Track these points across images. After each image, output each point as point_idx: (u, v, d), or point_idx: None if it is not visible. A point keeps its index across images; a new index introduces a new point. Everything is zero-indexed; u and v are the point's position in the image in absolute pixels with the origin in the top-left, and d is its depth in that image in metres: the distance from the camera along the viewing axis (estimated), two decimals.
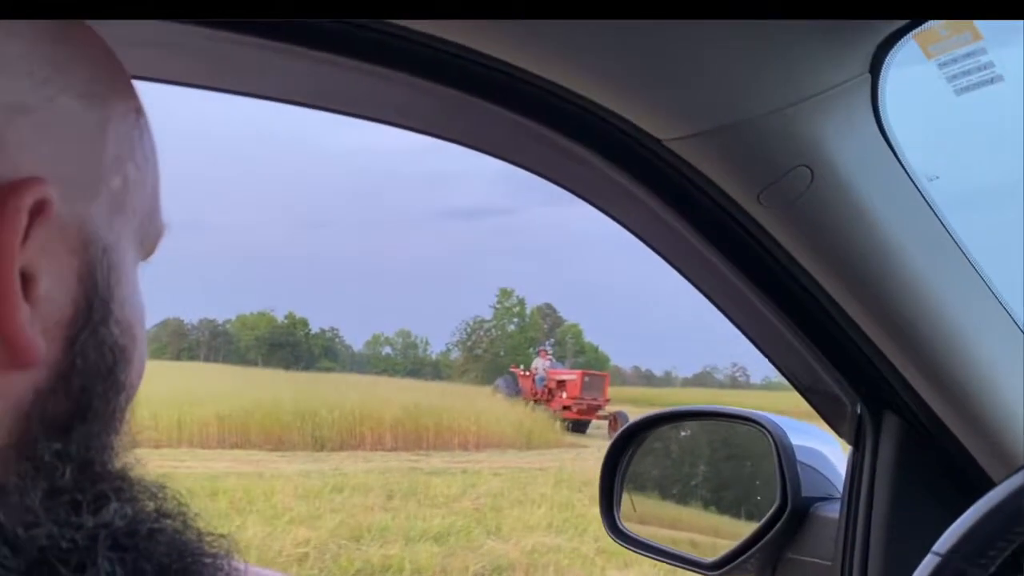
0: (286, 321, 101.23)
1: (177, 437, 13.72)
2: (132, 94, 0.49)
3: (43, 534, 0.36)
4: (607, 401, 22.51)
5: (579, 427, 21.81)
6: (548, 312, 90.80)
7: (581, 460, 14.78)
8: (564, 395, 22.24)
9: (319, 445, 14.88)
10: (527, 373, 24.57)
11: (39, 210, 0.40)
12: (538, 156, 0.84)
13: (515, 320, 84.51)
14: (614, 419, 20.26)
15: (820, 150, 0.73)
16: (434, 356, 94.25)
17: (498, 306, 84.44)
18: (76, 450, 0.40)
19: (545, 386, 23.13)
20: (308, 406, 16.00)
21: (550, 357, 25.40)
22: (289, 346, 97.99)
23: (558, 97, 0.71)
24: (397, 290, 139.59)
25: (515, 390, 23.57)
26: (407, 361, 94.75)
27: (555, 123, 0.74)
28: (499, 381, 25.53)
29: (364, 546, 7.64)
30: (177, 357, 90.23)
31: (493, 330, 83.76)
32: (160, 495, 0.43)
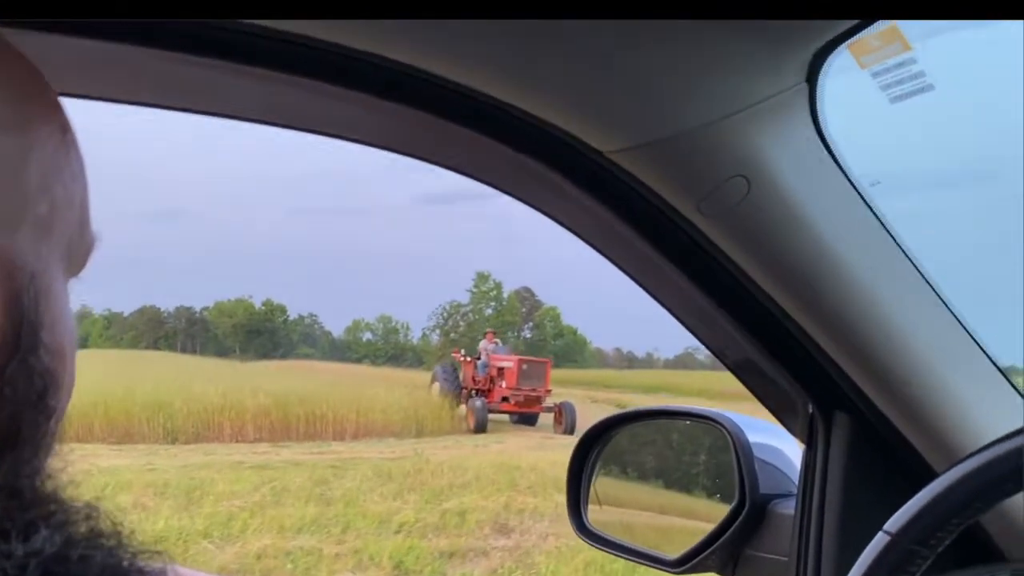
0: (263, 308, 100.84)
1: None
2: (58, 111, 0.49)
3: None
4: (548, 391, 19.24)
5: (527, 421, 19.16)
6: (526, 296, 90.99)
7: (456, 448, 14.40)
8: (503, 384, 18.80)
9: (171, 438, 14.17)
10: (469, 359, 20.48)
11: None
12: (488, 168, 0.85)
13: (492, 304, 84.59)
14: (559, 411, 18.20)
15: (756, 160, 0.74)
16: (415, 341, 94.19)
17: (475, 290, 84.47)
18: (5, 478, 0.40)
19: (487, 374, 19.50)
20: (164, 397, 15.19)
21: (497, 340, 21.30)
22: (267, 333, 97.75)
23: (501, 111, 0.72)
24: (378, 275, 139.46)
25: (454, 380, 19.80)
26: (388, 346, 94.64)
27: (500, 136, 0.75)
28: (437, 369, 21.20)
29: None
30: (154, 345, 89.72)
31: (470, 314, 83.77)
32: (93, 516, 0.43)
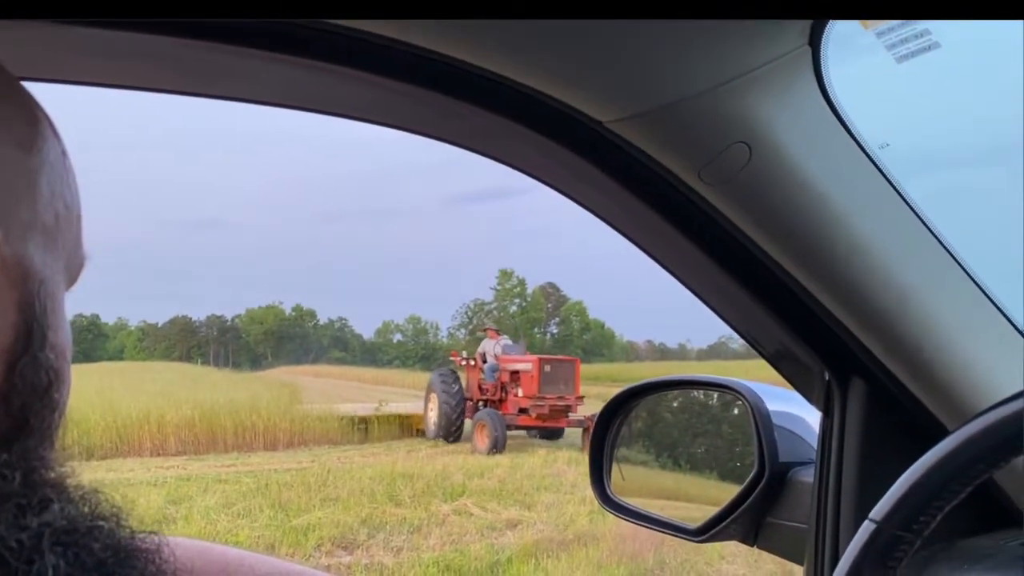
0: (294, 313, 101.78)
1: None
2: (58, 138, 0.54)
3: None
4: (580, 399, 14.77)
5: (550, 434, 15.32)
6: (551, 291, 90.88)
7: (386, 454, 13.74)
8: (519, 392, 14.61)
9: (87, 453, 13.56)
10: (473, 363, 16.05)
11: None
12: (488, 141, 0.86)
13: (516, 300, 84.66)
14: (591, 425, 11.46)
15: (757, 126, 0.74)
16: (445, 340, 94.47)
17: (498, 287, 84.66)
18: (17, 461, 0.44)
19: (497, 379, 15.33)
20: (78, 412, 14.23)
21: (504, 337, 16.65)
22: (298, 338, 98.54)
23: (499, 84, 0.73)
24: (406, 276, 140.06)
25: (457, 391, 15.29)
26: (419, 347, 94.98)
27: (499, 108, 0.76)
28: (433, 378, 16.09)
29: None
30: (188, 354, 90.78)
31: (495, 311, 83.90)
32: (94, 500, 0.47)
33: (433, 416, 15.57)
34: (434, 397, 15.61)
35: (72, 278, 0.54)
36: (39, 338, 0.47)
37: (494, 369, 15.57)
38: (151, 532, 0.49)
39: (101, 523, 0.46)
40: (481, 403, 15.51)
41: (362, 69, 0.72)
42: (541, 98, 0.73)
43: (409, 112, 0.83)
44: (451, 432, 15.16)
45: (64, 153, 0.53)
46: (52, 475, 0.46)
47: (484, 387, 15.62)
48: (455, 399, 15.21)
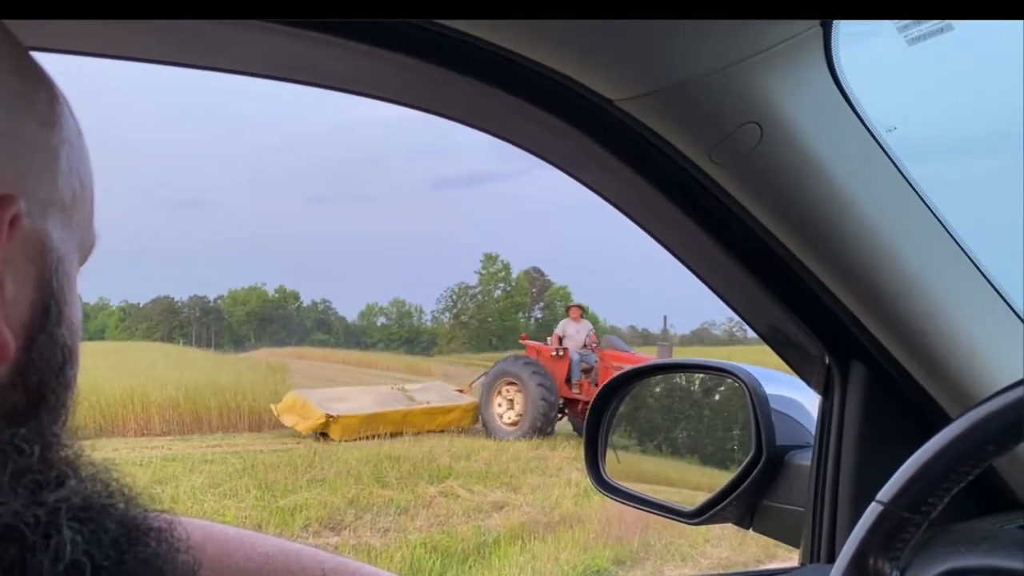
0: (277, 295, 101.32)
1: None
2: (74, 118, 0.53)
3: (10, 510, 0.40)
4: None
5: None
6: (536, 276, 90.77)
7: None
8: None
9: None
10: (562, 352, 12.37)
11: (12, 224, 0.43)
12: (496, 119, 0.84)
13: (501, 285, 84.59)
14: None
15: (768, 106, 0.73)
16: (430, 324, 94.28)
17: (483, 271, 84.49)
18: (35, 437, 0.44)
19: (585, 375, 12.14)
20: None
21: (587, 323, 13.17)
22: (280, 320, 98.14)
23: (509, 61, 0.71)
24: (390, 260, 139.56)
25: (550, 383, 11.95)
26: (403, 330, 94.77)
27: (509, 86, 0.75)
28: (511, 365, 12.54)
29: None
30: (169, 335, 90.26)
31: (479, 296, 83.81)
32: (106, 478, 0.47)
33: (509, 413, 12.37)
34: (510, 390, 12.36)
35: (84, 257, 0.54)
36: (55, 315, 0.47)
37: (581, 361, 12.30)
38: (163, 510, 0.49)
39: (114, 500, 0.46)
40: (563, 402, 12.32)
41: (365, 42, 0.70)
42: (550, 75, 0.72)
43: (412, 87, 0.81)
44: (544, 432, 12.04)
45: (80, 132, 0.53)
46: (66, 452, 0.46)
47: (575, 383, 12.21)
48: (552, 393, 11.98)
